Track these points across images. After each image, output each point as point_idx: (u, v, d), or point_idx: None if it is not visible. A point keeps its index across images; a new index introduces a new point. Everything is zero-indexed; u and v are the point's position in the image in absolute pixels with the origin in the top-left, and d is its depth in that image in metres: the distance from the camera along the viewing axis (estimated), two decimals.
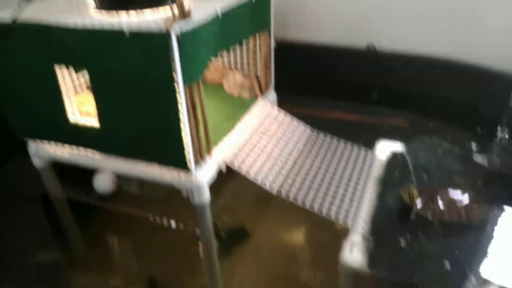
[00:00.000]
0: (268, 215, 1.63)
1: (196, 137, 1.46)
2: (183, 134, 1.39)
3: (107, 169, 1.68)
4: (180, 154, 1.44)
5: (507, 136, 1.86)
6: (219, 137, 1.70)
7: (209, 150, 1.58)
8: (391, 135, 1.99)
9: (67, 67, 1.48)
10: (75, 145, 1.66)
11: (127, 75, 1.35)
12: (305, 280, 1.32)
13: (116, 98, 1.43)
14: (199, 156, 1.52)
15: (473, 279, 1.19)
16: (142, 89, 1.36)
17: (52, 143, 1.71)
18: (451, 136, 1.93)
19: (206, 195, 1.57)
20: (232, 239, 1.50)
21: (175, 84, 1.29)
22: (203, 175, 1.53)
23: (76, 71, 1.67)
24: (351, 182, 1.64)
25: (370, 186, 1.62)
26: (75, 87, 1.85)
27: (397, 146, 1.81)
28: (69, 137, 1.65)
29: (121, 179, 1.73)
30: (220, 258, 1.45)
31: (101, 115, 1.50)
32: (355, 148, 1.84)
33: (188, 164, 1.47)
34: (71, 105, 1.59)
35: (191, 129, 1.41)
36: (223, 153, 1.64)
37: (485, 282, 1.21)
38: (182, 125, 1.37)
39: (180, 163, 1.47)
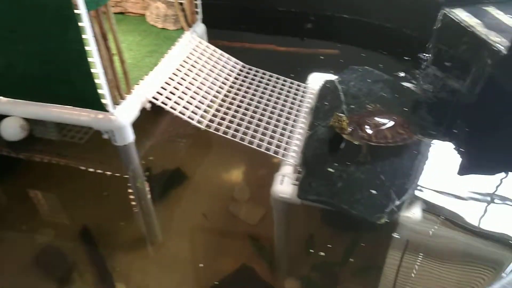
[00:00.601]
0: (199, 153, 1.57)
1: (112, 73, 1.33)
2: (93, 69, 1.25)
3: (14, 113, 1.51)
4: (93, 92, 1.31)
5: (432, 62, 1.89)
6: (141, 74, 1.57)
7: (129, 88, 1.45)
8: (324, 66, 1.95)
9: None
10: None
11: (20, 2, 1.17)
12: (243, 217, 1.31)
13: (10, 30, 1.24)
14: (118, 94, 1.39)
15: (396, 202, 1.22)
16: (39, 18, 1.19)
17: None
18: (383, 64, 1.92)
19: (128, 136, 1.47)
20: (164, 180, 1.44)
21: (77, 11, 1.13)
22: (123, 114, 1.41)
23: None
24: (283, 114, 1.60)
25: (302, 117, 1.60)
26: None
27: (329, 77, 1.78)
28: None
29: (37, 124, 1.57)
30: (153, 201, 1.39)
31: None
32: (287, 81, 1.79)
33: (104, 103, 1.34)
34: None
35: (104, 64, 1.27)
36: (146, 90, 1.52)
37: (407, 205, 1.26)
38: (91, 59, 1.23)
39: (94, 103, 1.34)
